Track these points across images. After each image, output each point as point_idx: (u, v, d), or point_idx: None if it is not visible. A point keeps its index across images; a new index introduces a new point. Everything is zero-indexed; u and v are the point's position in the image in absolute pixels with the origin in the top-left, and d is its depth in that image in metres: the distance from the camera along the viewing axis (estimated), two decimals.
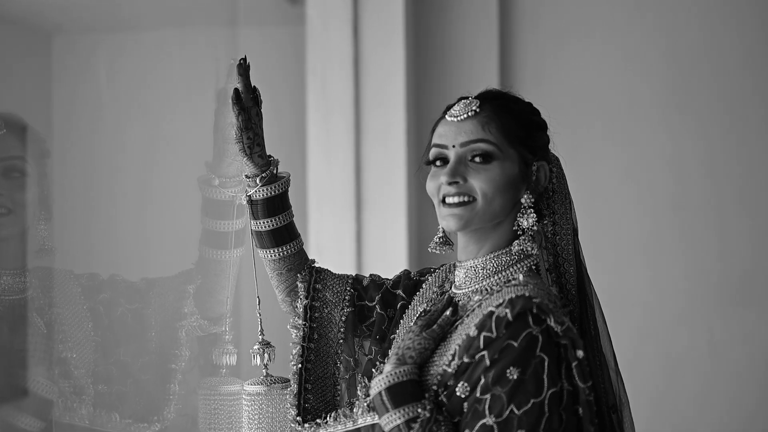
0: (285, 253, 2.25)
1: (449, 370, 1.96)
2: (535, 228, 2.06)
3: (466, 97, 2.11)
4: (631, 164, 3.99)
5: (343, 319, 2.25)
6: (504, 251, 2.07)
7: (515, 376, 1.91)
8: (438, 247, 2.15)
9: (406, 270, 2.31)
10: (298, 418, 2.19)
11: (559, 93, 3.83)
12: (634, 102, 3.97)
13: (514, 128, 2.07)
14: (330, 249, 3.79)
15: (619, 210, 3.99)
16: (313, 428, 2.18)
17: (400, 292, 2.25)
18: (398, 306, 2.23)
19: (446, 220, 2.07)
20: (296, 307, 2.27)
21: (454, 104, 2.11)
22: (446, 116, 2.10)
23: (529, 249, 2.05)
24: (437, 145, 2.09)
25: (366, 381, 2.15)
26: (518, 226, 2.07)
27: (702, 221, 3.97)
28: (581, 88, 3.96)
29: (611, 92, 3.98)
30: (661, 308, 4.00)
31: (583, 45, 3.99)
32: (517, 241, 2.06)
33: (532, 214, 2.06)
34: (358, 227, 3.84)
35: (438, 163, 2.09)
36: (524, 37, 3.99)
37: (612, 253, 3.95)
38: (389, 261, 3.73)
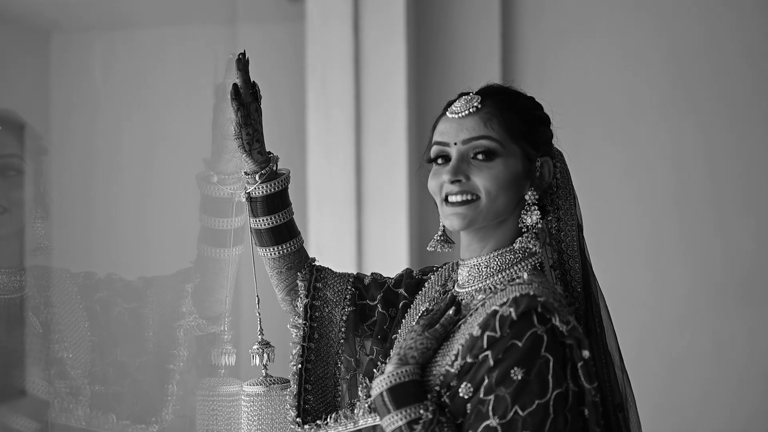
0: (285, 251, 2.21)
1: (452, 370, 1.93)
2: (539, 225, 2.03)
3: (467, 93, 2.08)
4: (632, 163, 3.98)
5: (344, 318, 2.22)
6: (508, 249, 2.04)
7: (519, 377, 1.88)
8: (438, 245, 2.11)
9: (408, 269, 2.27)
10: (297, 419, 2.15)
11: (561, 92, 3.82)
12: (635, 101, 3.96)
13: (517, 124, 2.04)
14: (330, 248, 3.77)
15: (620, 209, 3.98)
16: (313, 429, 2.14)
17: (402, 291, 2.21)
18: (400, 305, 2.20)
19: (449, 219, 2.03)
20: (296, 306, 2.24)
21: (454, 100, 2.08)
22: (447, 113, 2.07)
23: (531, 247, 2.02)
24: (438, 143, 2.06)
25: (367, 381, 2.12)
26: (522, 223, 2.04)
27: (704, 221, 3.96)
28: (582, 87, 3.95)
29: (612, 91, 3.97)
30: (663, 308, 3.98)
31: (585, 43, 3.98)
32: (519, 238, 2.03)
33: (536, 211, 2.03)
34: (358, 226, 3.82)
35: (440, 161, 2.05)
36: (526, 35, 3.98)
37: (613, 253, 3.94)
38: (390, 260, 3.71)
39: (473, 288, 2.05)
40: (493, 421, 1.86)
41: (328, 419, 2.13)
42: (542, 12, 3.98)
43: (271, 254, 2.21)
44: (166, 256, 2.78)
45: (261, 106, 2.17)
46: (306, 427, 2.14)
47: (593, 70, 3.97)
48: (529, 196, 2.03)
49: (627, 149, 3.98)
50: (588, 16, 3.98)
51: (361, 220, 3.81)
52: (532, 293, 1.92)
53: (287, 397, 2.17)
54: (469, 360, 1.91)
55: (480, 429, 1.87)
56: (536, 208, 2.03)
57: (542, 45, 3.99)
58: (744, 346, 3.93)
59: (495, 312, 1.91)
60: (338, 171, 3.82)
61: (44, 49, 2.73)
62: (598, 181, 3.94)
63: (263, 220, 2.19)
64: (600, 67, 3.97)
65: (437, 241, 2.11)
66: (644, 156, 3.97)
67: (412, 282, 2.21)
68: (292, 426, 2.15)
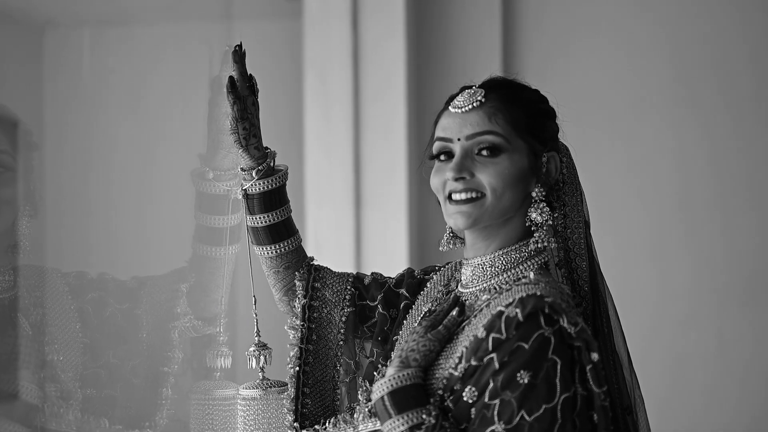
0: (282, 250, 2.15)
1: (456, 373, 1.88)
2: (550, 222, 1.98)
3: (470, 87, 2.02)
4: (635, 162, 3.96)
5: (343, 319, 2.16)
6: (513, 248, 1.99)
7: (526, 380, 1.82)
8: (449, 244, 2.07)
9: (409, 268, 2.22)
10: (295, 423, 2.09)
11: (563, 90, 3.73)
12: (638, 100, 3.94)
13: (522, 118, 1.98)
14: (329, 247, 3.73)
15: (623, 208, 3.96)
16: None
17: (403, 291, 2.16)
18: (401, 306, 2.14)
19: (453, 218, 1.98)
20: (294, 306, 2.18)
21: (457, 94, 2.02)
22: (449, 107, 2.01)
23: (548, 245, 1.98)
24: (441, 139, 2.00)
25: (367, 385, 2.07)
26: (531, 221, 1.98)
27: (708, 219, 3.94)
28: (585, 85, 3.93)
29: (615, 90, 3.94)
30: (667, 307, 3.95)
31: (587, 41, 3.96)
32: (533, 238, 1.98)
33: (545, 208, 1.98)
34: (357, 224, 3.78)
35: (442, 157, 2.00)
36: (528, 33, 3.95)
37: (616, 252, 3.91)
38: (390, 259, 3.69)
39: (477, 288, 1.99)
40: (498, 427, 1.81)
41: (327, 424, 2.07)
42: (544, 9, 3.96)
43: (268, 253, 2.16)
44: (160, 255, 2.75)
45: (258, 100, 2.11)
46: None
47: (596, 68, 3.95)
48: (537, 192, 1.98)
49: (630, 148, 3.95)
50: (590, 14, 3.96)
51: (361, 219, 3.78)
52: (539, 293, 1.86)
53: (284, 401, 2.11)
54: (473, 363, 1.86)
55: None
56: (545, 204, 1.98)
57: (544, 43, 3.96)
58: (749, 345, 3.90)
59: (500, 313, 1.86)
60: (337, 168, 3.78)
61: (38, 46, 2.69)
62: (601, 180, 3.91)
63: (260, 218, 2.13)
64: (603, 65, 3.95)
65: (447, 239, 2.06)
66: (647, 155, 3.95)
67: (413, 282, 2.16)
68: (290, 431, 2.09)
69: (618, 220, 3.94)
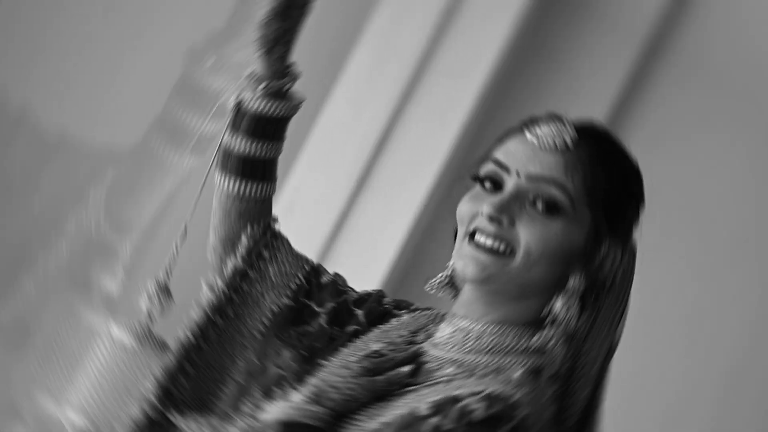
0: (246, 192, 2.07)
1: None
2: (571, 325, 1.90)
3: (560, 119, 1.95)
4: (701, 310, 3.94)
5: (274, 308, 2.08)
6: (513, 330, 1.91)
7: None
8: (440, 289, 2.02)
9: (380, 290, 2.15)
10: (151, 397, 2.00)
11: (669, 175, 3.76)
12: (753, 234, 3.92)
13: (602, 187, 1.91)
14: (302, 218, 3.67)
15: (653, 348, 3.93)
16: (163, 419, 2.00)
17: (361, 313, 2.07)
18: (350, 330, 2.06)
19: (464, 261, 1.90)
20: (225, 263, 2.11)
21: (540, 119, 1.95)
22: (526, 132, 1.93)
23: (557, 350, 1.90)
24: (498, 163, 1.92)
25: (260, 398, 1.99)
26: (550, 310, 1.90)
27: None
28: (701, 186, 3.92)
29: (736, 208, 3.91)
30: None
31: (724, 137, 3.94)
32: (541, 334, 1.90)
33: (576, 305, 1.90)
34: (348, 207, 3.76)
35: (488, 184, 1.92)
36: (661, 94, 3.92)
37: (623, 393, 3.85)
38: (366, 265, 3.67)
39: (448, 356, 1.92)
40: None
41: (185, 417, 1.99)
42: (693, 72, 3.92)
43: (228, 186, 2.08)
44: (109, 124, 2.65)
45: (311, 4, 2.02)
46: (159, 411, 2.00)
47: (724, 175, 3.92)
48: (576, 281, 1.90)
49: (701, 290, 3.93)
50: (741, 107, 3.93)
51: (355, 202, 3.76)
52: (513, 401, 1.79)
53: (153, 366, 2.03)
54: None
55: None
56: (579, 300, 1.90)
57: (673, 113, 3.91)
58: None
59: (457, 399, 1.78)
60: (357, 131, 3.75)
61: None
62: (643, 297, 3.85)
63: (241, 141, 2.05)
64: (734, 174, 3.92)
65: (441, 282, 2.01)
66: (714, 300, 3.92)
67: (378, 309, 2.08)
68: (141, 402, 2.01)
69: (640, 355, 3.87)
